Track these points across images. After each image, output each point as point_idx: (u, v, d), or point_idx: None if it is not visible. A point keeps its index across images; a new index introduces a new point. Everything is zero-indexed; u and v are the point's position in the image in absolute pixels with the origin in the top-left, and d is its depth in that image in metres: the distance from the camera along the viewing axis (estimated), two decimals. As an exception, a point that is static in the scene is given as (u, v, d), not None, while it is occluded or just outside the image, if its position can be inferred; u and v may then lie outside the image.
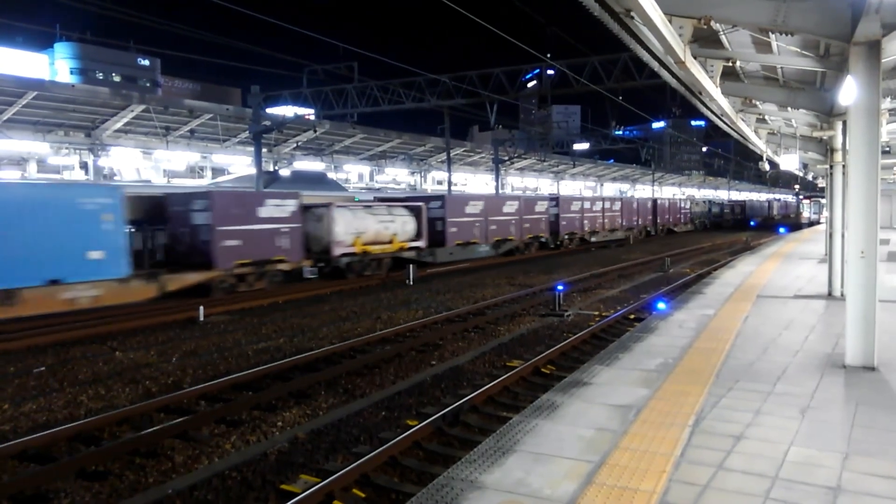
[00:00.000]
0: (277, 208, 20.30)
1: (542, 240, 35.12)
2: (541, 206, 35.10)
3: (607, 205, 43.47)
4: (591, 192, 64.39)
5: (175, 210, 19.18)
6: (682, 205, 59.91)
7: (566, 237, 37.47)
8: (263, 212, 19.84)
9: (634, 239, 45.31)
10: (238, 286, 19.05)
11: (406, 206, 25.93)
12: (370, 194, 32.32)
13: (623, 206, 45.89)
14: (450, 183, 38.71)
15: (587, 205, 40.72)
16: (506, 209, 31.70)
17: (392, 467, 7.01)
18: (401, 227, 24.85)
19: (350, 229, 22.47)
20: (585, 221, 39.61)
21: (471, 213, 29.05)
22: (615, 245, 41.21)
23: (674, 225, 55.72)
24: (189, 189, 23.14)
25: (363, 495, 6.37)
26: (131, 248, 16.84)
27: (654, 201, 52.98)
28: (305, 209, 21.57)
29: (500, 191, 42.42)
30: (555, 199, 37.41)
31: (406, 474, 6.90)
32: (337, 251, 22.00)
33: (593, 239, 40.68)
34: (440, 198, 28.25)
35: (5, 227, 14.09)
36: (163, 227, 19.23)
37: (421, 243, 25.90)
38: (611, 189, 71.27)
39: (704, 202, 66.61)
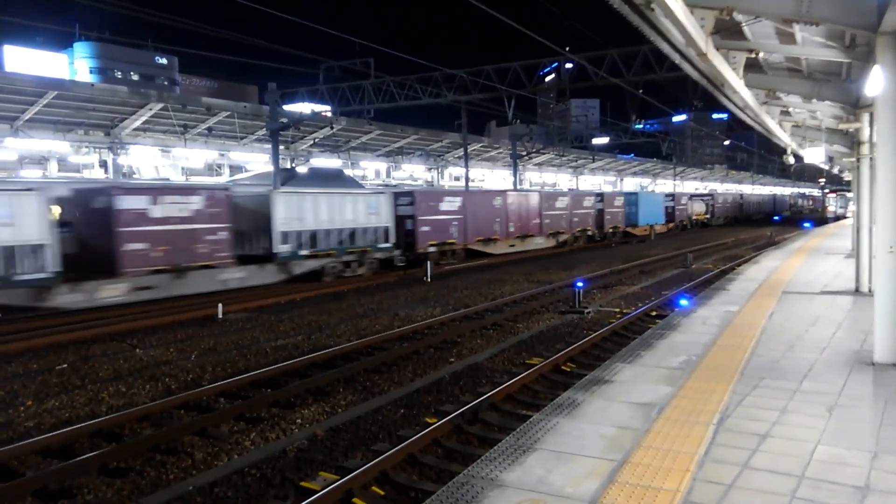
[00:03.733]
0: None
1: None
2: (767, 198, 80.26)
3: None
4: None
5: None
6: (792, 197, 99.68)
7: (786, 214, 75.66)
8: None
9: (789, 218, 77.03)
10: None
11: (702, 198, 60.69)
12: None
13: (779, 198, 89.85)
14: (467, 179, 38.57)
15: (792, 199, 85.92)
16: (731, 200, 70.11)
17: (411, 465, 6.98)
18: (703, 208, 58.77)
19: (693, 209, 56.38)
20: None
21: (723, 202, 64.64)
22: (636, 241, 41.37)
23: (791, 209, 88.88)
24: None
25: (382, 493, 6.35)
26: (667, 214, 50.59)
27: (790, 196, 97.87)
28: (690, 198, 58.45)
29: (519, 186, 42.22)
30: (773, 196, 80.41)
31: (425, 472, 6.87)
32: (693, 218, 55.91)
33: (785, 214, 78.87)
34: (712, 195, 62.95)
35: (648, 207, 46.48)
36: None
37: (708, 215, 59.79)
38: (631, 184, 70.80)
39: (798, 195, 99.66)
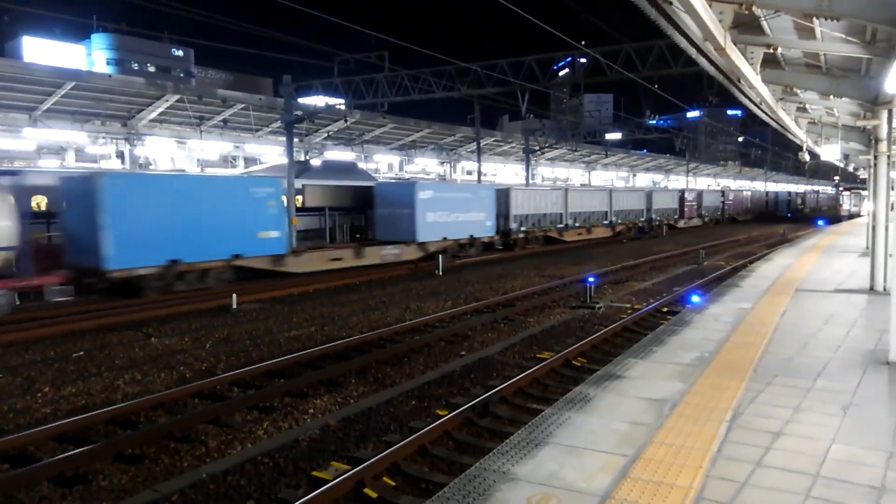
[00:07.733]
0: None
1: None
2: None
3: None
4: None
5: None
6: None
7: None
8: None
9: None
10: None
11: (801, 195, 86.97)
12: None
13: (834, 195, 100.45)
14: (479, 173, 38.54)
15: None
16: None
17: (422, 456, 7.02)
18: (801, 202, 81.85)
19: (798, 202, 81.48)
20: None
21: (810, 198, 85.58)
22: (647, 237, 41.32)
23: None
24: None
25: (393, 484, 6.39)
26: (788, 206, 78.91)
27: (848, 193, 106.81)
28: (796, 195, 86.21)
29: (531, 181, 42.15)
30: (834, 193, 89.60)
31: (436, 464, 6.90)
32: (798, 207, 78.44)
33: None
34: (805, 193, 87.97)
35: (783, 200, 79.03)
36: None
37: (803, 206, 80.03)
38: (644, 180, 70.49)
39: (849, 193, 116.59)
